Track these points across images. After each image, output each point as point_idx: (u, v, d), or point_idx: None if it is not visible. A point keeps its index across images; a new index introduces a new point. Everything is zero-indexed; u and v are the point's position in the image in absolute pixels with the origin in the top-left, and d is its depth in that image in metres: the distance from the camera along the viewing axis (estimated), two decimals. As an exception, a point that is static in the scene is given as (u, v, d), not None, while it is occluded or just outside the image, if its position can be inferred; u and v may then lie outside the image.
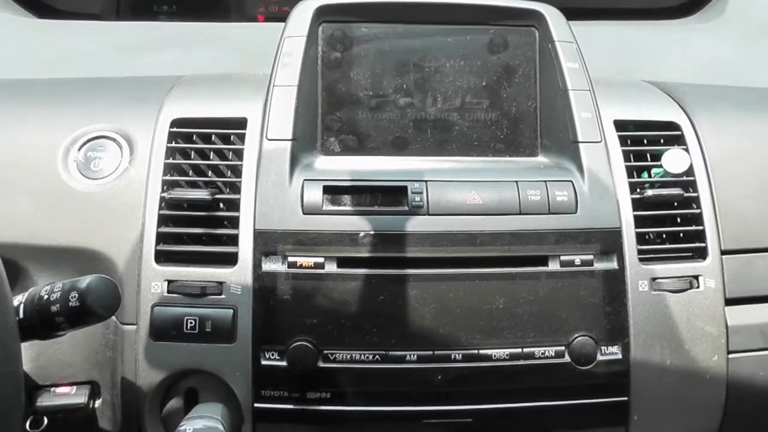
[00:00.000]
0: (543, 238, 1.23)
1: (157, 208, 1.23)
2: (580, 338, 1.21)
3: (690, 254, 1.30)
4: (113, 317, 1.19)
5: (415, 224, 1.21)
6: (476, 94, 1.33)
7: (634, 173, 1.32)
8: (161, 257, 1.22)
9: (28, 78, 1.51)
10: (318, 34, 1.32)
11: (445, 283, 1.20)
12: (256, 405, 1.18)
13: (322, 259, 1.19)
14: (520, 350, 1.20)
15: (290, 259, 1.19)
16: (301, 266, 1.19)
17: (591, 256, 1.24)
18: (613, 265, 1.24)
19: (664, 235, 1.31)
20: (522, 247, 1.22)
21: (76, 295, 0.99)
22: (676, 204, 1.32)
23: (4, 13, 1.87)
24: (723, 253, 1.30)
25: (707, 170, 1.33)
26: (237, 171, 1.26)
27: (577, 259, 1.23)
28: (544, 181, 1.25)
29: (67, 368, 1.25)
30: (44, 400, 1.23)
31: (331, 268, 1.19)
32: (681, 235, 1.31)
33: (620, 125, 1.35)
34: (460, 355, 1.19)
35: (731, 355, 1.28)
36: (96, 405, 1.25)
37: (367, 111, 1.31)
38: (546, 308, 1.21)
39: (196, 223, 1.24)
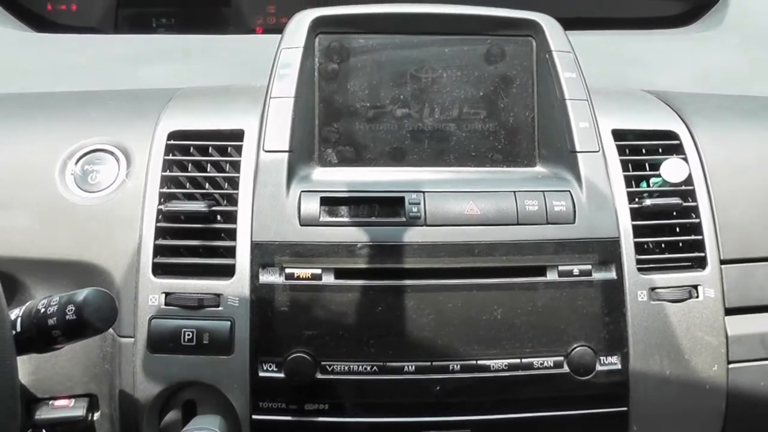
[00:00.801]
0: (541, 248, 1.23)
1: (154, 221, 1.23)
2: (579, 348, 1.21)
3: (689, 264, 1.30)
4: (111, 330, 1.19)
5: (413, 235, 1.21)
6: (473, 105, 1.33)
7: (633, 183, 1.32)
8: (158, 270, 1.21)
9: (25, 92, 1.51)
10: (315, 45, 1.32)
11: (443, 294, 1.19)
12: (254, 417, 1.18)
13: (319, 271, 1.19)
14: (518, 361, 1.20)
15: (287, 270, 1.19)
16: (298, 278, 1.19)
17: (589, 266, 1.23)
18: (612, 275, 1.24)
19: (663, 245, 1.30)
20: (520, 258, 1.22)
21: (73, 309, 0.99)
22: (674, 213, 1.31)
23: (2, 27, 1.87)
24: (722, 262, 1.30)
25: (706, 180, 1.33)
26: (234, 183, 1.26)
27: (576, 269, 1.23)
28: (542, 191, 1.25)
29: (65, 381, 1.25)
30: (43, 413, 1.23)
31: (329, 279, 1.19)
32: (680, 244, 1.30)
33: (618, 135, 1.35)
34: (459, 366, 1.19)
35: (731, 365, 1.27)
36: (94, 417, 1.25)
37: (364, 122, 1.31)
38: (544, 318, 1.21)
39: (193, 236, 1.24)
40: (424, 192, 1.23)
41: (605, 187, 1.28)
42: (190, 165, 1.29)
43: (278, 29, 1.40)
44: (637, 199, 1.30)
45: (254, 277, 1.19)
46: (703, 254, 1.29)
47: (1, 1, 1.93)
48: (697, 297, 1.27)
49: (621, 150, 1.33)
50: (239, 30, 2.11)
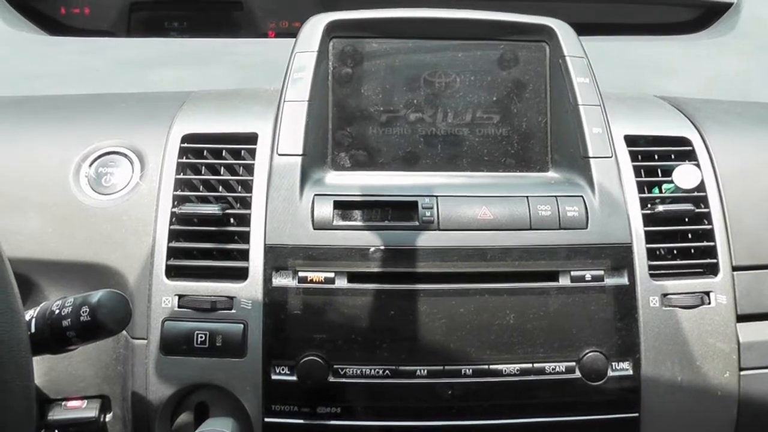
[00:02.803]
0: (553, 253, 1.23)
1: (167, 223, 1.24)
2: (590, 354, 1.21)
3: (701, 270, 1.30)
4: (124, 332, 1.20)
5: (426, 239, 1.21)
6: (487, 110, 1.33)
7: (645, 189, 1.32)
8: (172, 272, 1.22)
9: (39, 94, 1.52)
10: (329, 49, 1.32)
11: (456, 298, 1.19)
12: (266, 419, 1.18)
13: (332, 274, 1.19)
14: (530, 365, 1.20)
15: (301, 274, 1.20)
16: (311, 281, 1.19)
17: (602, 272, 1.23)
18: (624, 280, 1.24)
19: (675, 251, 1.30)
20: (532, 263, 1.22)
21: (87, 310, 0.99)
22: (687, 220, 1.31)
23: (17, 30, 1.88)
24: (734, 269, 1.29)
25: (718, 186, 1.33)
26: (248, 186, 1.26)
27: (588, 275, 1.23)
28: (555, 197, 1.25)
29: (78, 382, 1.25)
30: (55, 414, 1.23)
31: (342, 283, 1.19)
32: (692, 251, 1.30)
33: (631, 140, 1.35)
34: (471, 370, 1.19)
35: (743, 372, 1.27)
36: (107, 419, 1.26)
37: (377, 126, 1.32)
38: (556, 324, 1.21)
39: (206, 238, 1.24)
40: (437, 196, 1.23)
41: (618, 193, 1.28)
42: (203, 168, 1.29)
43: (290, 33, 1.41)
44: (649, 205, 1.29)
45: (267, 280, 1.19)
46: (715, 261, 1.29)
47: (15, 4, 1.94)
48: (709, 303, 1.27)
49: (633, 156, 1.33)
50: (252, 34, 2.11)
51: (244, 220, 1.24)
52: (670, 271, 1.28)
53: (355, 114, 1.32)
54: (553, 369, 1.20)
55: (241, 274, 1.21)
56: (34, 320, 1.02)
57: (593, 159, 1.28)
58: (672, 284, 1.26)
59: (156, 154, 1.29)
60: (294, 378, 1.17)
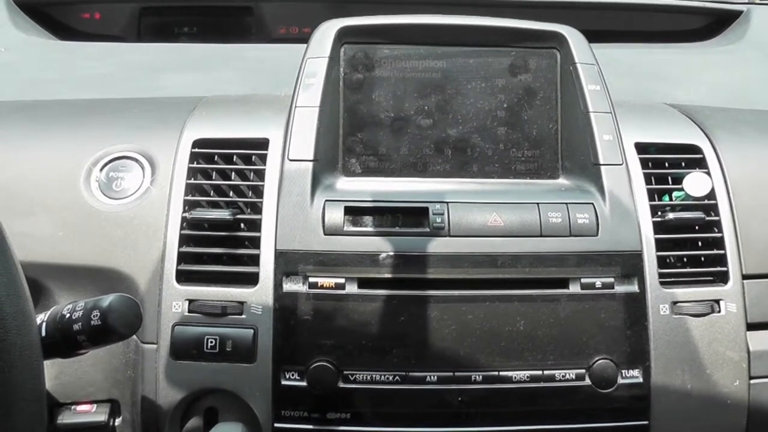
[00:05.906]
0: (564, 260, 1.23)
1: (178, 228, 1.24)
2: (600, 361, 1.21)
3: (711, 278, 1.29)
4: (134, 336, 1.20)
5: (436, 245, 1.21)
6: (497, 116, 1.33)
7: (656, 196, 1.32)
8: (182, 277, 1.22)
9: (50, 99, 1.52)
10: (340, 55, 1.33)
11: (466, 305, 1.19)
12: (276, 425, 1.18)
13: (342, 280, 1.19)
14: (540, 372, 1.20)
15: (311, 279, 1.20)
16: (321, 287, 1.19)
17: (612, 279, 1.23)
18: (634, 288, 1.24)
19: (685, 259, 1.30)
20: (543, 269, 1.22)
21: (98, 314, 0.99)
22: (697, 228, 1.31)
23: (27, 35, 1.88)
24: (744, 277, 1.29)
25: (729, 194, 1.33)
26: (258, 191, 1.26)
27: (598, 282, 1.23)
28: (566, 204, 1.25)
29: (87, 386, 1.25)
30: (65, 418, 1.24)
31: (352, 288, 1.19)
32: (702, 259, 1.30)
33: (641, 148, 1.35)
34: (481, 377, 1.19)
35: (753, 381, 1.26)
36: (116, 423, 1.26)
37: (388, 132, 1.32)
38: (567, 331, 1.21)
39: (217, 243, 1.24)
40: (447, 203, 1.23)
41: (628, 200, 1.28)
42: (214, 173, 1.29)
43: (301, 39, 1.41)
44: (659, 213, 1.29)
45: (278, 285, 1.20)
46: (725, 269, 1.29)
47: (26, 10, 1.95)
48: (719, 312, 1.26)
49: (644, 163, 1.33)
50: (261, 39, 2.11)
51: (255, 225, 1.24)
52: (680, 279, 1.27)
53: (366, 120, 1.32)
54: (563, 376, 1.20)
55: (252, 280, 1.21)
56: (44, 324, 1.02)
57: (604, 166, 1.28)
58: (682, 292, 1.26)
59: (167, 159, 1.29)
60: (304, 383, 1.17)
